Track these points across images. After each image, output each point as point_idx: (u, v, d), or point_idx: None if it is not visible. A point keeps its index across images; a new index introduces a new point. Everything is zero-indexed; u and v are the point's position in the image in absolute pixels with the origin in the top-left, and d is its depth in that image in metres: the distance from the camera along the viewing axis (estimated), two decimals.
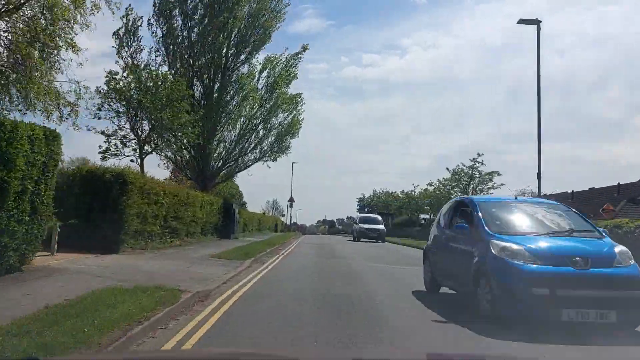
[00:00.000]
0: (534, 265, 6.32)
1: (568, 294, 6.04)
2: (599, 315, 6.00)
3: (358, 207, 75.15)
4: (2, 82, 13.70)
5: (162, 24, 27.56)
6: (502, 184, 36.49)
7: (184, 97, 20.27)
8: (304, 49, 31.15)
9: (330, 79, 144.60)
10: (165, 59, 27.48)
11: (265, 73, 30.12)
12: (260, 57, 29.98)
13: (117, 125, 19.30)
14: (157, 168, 39.10)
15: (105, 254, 12.15)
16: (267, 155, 30.73)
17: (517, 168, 77.27)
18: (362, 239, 34.65)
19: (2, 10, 13.23)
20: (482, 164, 36.66)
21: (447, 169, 39.23)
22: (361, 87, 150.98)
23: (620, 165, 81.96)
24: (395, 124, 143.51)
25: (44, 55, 13.36)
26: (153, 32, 27.30)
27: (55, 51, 13.62)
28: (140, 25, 25.81)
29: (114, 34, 24.73)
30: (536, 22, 17.98)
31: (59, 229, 11.38)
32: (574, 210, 8.15)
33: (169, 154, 28.05)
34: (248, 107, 29.59)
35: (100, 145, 18.97)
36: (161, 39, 27.47)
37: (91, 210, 12.84)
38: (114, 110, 19.15)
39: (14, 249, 7.85)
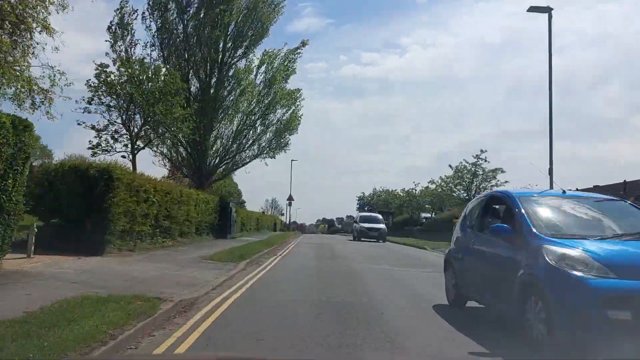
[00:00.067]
0: (608, 279, 4.75)
1: None
2: None
3: (358, 206, 74.51)
4: None
5: (157, 17, 26.88)
6: (506, 182, 35.36)
7: (178, 90, 19.52)
8: (304, 44, 30.58)
9: (329, 77, 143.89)
10: (161, 53, 26.77)
11: (263, 68, 29.43)
12: (258, 52, 29.23)
13: (108, 120, 18.57)
14: (152, 165, 37.92)
15: (88, 255, 11.28)
16: (266, 152, 30.01)
17: (517, 166, 76.33)
18: (362, 239, 33.79)
19: None
20: (486, 160, 35.65)
21: (450, 166, 38.11)
22: (361, 85, 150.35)
23: (619, 164, 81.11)
24: (395, 123, 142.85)
25: (14, 38, 12.27)
26: (147, 26, 26.60)
27: (28, 34, 12.56)
28: (135, 19, 25.04)
29: (108, 28, 23.94)
30: (547, 10, 17.00)
31: (36, 229, 10.52)
32: None
33: (164, 150, 27.35)
34: (246, 102, 28.79)
35: (90, 141, 18.26)
36: (156, 33, 26.77)
37: (74, 208, 11.98)
38: (105, 105, 18.42)
39: None
